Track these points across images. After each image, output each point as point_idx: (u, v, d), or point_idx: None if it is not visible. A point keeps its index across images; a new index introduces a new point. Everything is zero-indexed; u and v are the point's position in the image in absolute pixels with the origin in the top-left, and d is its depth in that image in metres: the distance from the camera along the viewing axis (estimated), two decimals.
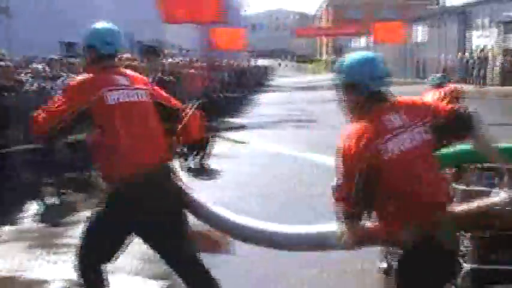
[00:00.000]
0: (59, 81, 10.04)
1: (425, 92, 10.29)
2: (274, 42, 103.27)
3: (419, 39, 44.96)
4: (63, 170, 9.53)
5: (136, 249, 6.38)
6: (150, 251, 6.26)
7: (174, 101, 4.47)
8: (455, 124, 3.33)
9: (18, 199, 8.59)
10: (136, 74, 4.39)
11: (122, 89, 4.02)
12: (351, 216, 3.21)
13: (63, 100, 4.01)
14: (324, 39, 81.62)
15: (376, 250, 5.54)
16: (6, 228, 7.35)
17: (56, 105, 4.01)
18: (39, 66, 9.44)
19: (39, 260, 6.27)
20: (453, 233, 3.28)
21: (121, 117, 3.96)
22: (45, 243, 6.86)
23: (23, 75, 10.05)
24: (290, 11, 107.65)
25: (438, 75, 10.51)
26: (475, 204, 3.34)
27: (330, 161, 10.91)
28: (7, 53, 10.87)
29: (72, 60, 10.97)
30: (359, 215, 3.23)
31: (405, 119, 3.25)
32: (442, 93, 9.71)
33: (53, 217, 7.99)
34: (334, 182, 3.30)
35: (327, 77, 45.47)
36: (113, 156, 3.96)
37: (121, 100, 3.98)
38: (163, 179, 4.11)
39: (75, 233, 7.14)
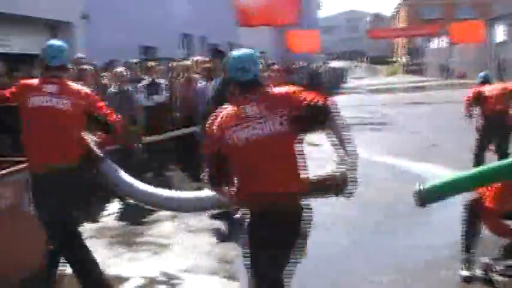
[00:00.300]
0: (140, 85, 10.34)
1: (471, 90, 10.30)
2: (349, 43, 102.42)
3: (499, 39, 43.48)
4: (142, 170, 9.79)
5: (215, 250, 6.55)
6: (229, 252, 6.43)
7: (111, 117, 5.04)
8: (311, 115, 3.63)
9: (99, 198, 8.89)
10: (75, 87, 4.94)
11: (43, 95, 4.66)
12: (215, 185, 3.74)
13: (11, 90, 4.89)
14: (400, 40, 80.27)
15: (459, 259, 5.49)
16: (88, 226, 7.60)
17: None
18: (122, 70, 9.67)
19: (119, 257, 6.48)
20: (293, 207, 3.67)
21: (33, 119, 4.67)
22: (125, 241, 7.09)
23: (105, 78, 10.39)
24: (365, 12, 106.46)
25: (482, 73, 10.46)
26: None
27: (405, 164, 10.87)
28: (88, 58, 11.19)
29: (150, 63, 11.20)
30: (219, 185, 3.72)
31: (262, 110, 3.52)
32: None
33: (133, 216, 8.22)
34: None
35: (402, 79, 44.85)
36: (26, 152, 4.82)
37: (38, 104, 4.65)
38: (60, 176, 4.65)
39: (154, 232, 7.37)
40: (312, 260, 6.30)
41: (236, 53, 3.73)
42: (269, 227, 3.55)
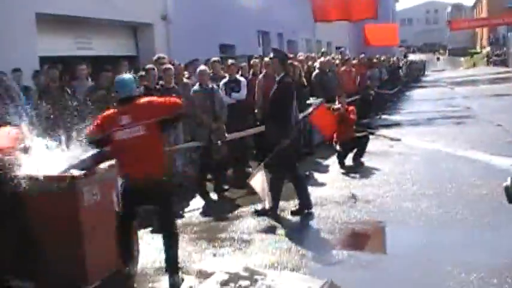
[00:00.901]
0: (221, 83, 10.47)
1: None
2: (429, 35, 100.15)
3: None
4: (223, 166, 9.92)
5: (296, 246, 6.56)
6: (309, 248, 6.44)
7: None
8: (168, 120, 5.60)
9: (183, 194, 9.08)
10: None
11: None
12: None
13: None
14: (482, 31, 77.75)
15: None
16: None
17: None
18: (205, 68, 9.82)
19: (202, 253, 6.60)
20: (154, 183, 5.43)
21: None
22: (208, 236, 7.20)
23: (186, 77, 10.57)
24: (445, 3, 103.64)
25: None
26: None
27: (488, 158, 10.58)
28: (169, 57, 11.42)
29: (230, 61, 11.30)
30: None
31: (130, 118, 5.39)
32: None
33: (215, 212, 8.35)
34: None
35: (483, 71, 43.45)
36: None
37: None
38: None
39: (236, 228, 7.46)
40: (394, 256, 6.27)
41: (118, 77, 5.77)
42: (137, 194, 5.51)
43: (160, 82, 9.36)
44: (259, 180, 7.94)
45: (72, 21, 12.74)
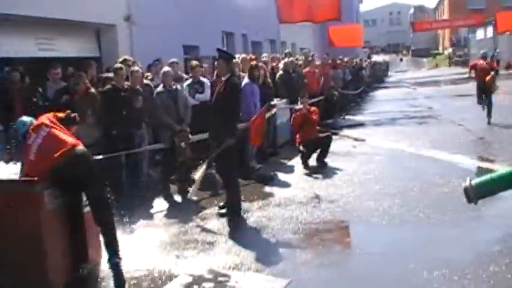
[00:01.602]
0: (184, 84, 10.44)
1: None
2: (392, 37, 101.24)
3: None
4: (187, 168, 9.87)
5: (261, 248, 6.57)
6: (274, 250, 6.46)
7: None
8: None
9: (147, 196, 9.02)
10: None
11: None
12: None
13: None
14: (446, 32, 78.90)
15: (508, 254, 5.40)
16: (136, 223, 7.72)
17: None
18: (169, 69, 9.77)
19: (166, 255, 6.55)
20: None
21: None
22: (172, 238, 7.16)
23: (147, 79, 10.52)
24: (408, 5, 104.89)
25: (482, 51, 17.95)
26: None
27: (451, 157, 10.76)
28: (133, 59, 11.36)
29: (195, 62, 11.25)
30: None
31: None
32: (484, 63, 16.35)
33: (179, 214, 8.31)
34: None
35: (446, 72, 44.13)
36: None
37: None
38: None
39: (200, 229, 7.44)
40: (357, 255, 6.32)
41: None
42: None
43: (127, 83, 9.29)
44: (199, 174, 7.96)
45: (34, 22, 12.54)
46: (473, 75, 16.69)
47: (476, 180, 5.22)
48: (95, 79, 10.14)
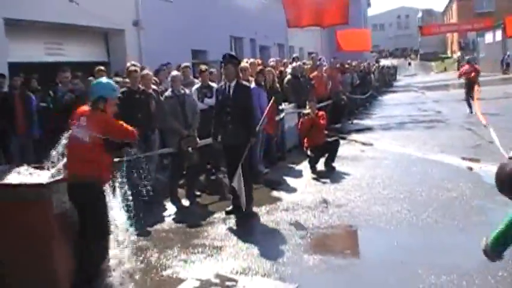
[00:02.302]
0: (193, 88, 10.45)
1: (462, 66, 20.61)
2: (401, 41, 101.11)
3: None
4: (195, 173, 9.88)
5: (268, 252, 6.57)
6: (281, 254, 6.45)
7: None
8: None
9: (155, 200, 9.03)
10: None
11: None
12: None
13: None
14: (453, 36, 78.71)
15: None
16: (144, 227, 7.73)
17: None
18: (178, 74, 9.79)
19: (174, 259, 6.56)
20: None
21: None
22: (179, 243, 7.17)
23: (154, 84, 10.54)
24: (416, 9, 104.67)
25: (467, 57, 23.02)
26: None
27: (459, 162, 10.72)
28: (142, 64, 11.41)
29: (204, 67, 11.25)
30: None
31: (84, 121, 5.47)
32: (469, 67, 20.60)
33: (187, 218, 8.32)
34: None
35: (454, 76, 43.93)
36: None
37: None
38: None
39: (208, 234, 7.44)
40: (365, 260, 6.31)
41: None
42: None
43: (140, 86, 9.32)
44: (237, 180, 7.96)
45: (43, 26, 12.62)
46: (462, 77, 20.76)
47: (490, 238, 5.09)
48: None
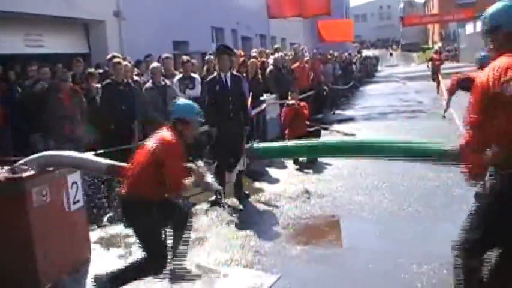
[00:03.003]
0: (175, 79, 10.39)
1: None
2: (382, 31, 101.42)
3: None
4: None
5: (250, 243, 6.57)
6: (263, 245, 6.45)
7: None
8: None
9: None
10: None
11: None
12: None
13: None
14: (435, 27, 79.09)
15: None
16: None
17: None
18: (158, 65, 9.71)
19: None
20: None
21: None
22: None
23: (136, 75, 10.47)
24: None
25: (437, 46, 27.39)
26: None
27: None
28: (123, 55, 11.30)
29: (186, 58, 11.18)
30: None
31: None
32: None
33: None
34: None
35: None
36: None
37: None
38: None
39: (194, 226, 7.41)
40: (347, 250, 6.33)
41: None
42: None
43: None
44: (243, 161, 8.52)
45: (22, 18, 12.47)
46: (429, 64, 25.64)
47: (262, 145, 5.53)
48: (78, 76, 10.10)
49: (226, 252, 6.30)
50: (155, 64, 9.76)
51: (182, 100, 5.55)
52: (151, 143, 5.10)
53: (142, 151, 5.13)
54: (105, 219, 7.78)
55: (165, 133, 5.11)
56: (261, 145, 5.67)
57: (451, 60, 57.10)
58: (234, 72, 8.80)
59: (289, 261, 5.97)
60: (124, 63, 9.84)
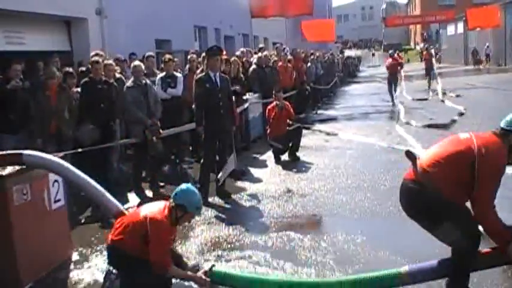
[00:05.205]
0: (157, 78, 10.36)
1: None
2: (365, 32, 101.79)
3: None
4: (159, 163, 9.81)
5: (234, 242, 6.57)
6: (248, 244, 6.45)
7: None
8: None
9: (118, 191, 8.93)
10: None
11: None
12: None
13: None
14: (417, 28, 79.58)
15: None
16: (105, 218, 7.64)
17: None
18: (140, 64, 9.65)
19: None
20: None
21: None
22: None
23: (118, 73, 10.41)
24: (381, 0, 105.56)
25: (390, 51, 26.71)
26: None
27: (421, 151, 10.81)
28: (106, 53, 11.24)
29: (168, 56, 11.12)
30: None
31: None
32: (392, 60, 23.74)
33: None
34: None
35: (417, 67, 44.50)
36: None
37: None
38: None
39: None
40: (328, 248, 6.35)
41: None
42: None
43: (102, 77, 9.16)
44: (234, 159, 8.94)
45: (2, 14, 12.34)
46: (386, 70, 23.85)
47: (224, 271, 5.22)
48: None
49: (208, 252, 6.30)
50: (136, 63, 9.71)
51: (190, 187, 5.22)
52: (145, 211, 5.03)
53: (135, 214, 5.16)
54: (82, 219, 7.78)
55: (161, 212, 5.02)
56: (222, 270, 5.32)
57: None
58: (222, 74, 8.97)
59: (271, 259, 5.97)
60: (109, 61, 9.80)
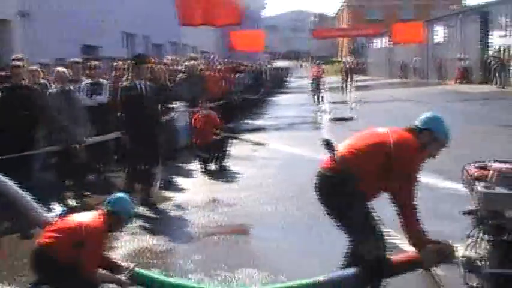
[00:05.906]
0: (82, 85, 10.15)
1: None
2: (294, 43, 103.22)
3: (439, 40, 44.81)
4: (83, 172, 9.60)
5: (159, 252, 6.48)
6: (173, 254, 6.38)
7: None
8: None
9: (40, 201, 8.67)
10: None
11: None
12: None
13: None
14: (344, 41, 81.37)
15: None
16: (29, 229, 7.41)
17: None
18: (64, 69, 9.42)
19: None
20: None
21: None
22: None
23: (43, 78, 10.14)
24: (309, 12, 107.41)
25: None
26: None
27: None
28: (28, 57, 10.90)
29: (94, 63, 10.93)
30: None
31: None
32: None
33: None
34: None
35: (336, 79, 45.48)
36: None
37: None
38: None
39: None
40: (254, 259, 6.35)
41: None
42: None
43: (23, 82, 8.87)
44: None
45: None
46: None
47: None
48: None
49: (133, 261, 6.19)
50: (60, 68, 9.48)
51: (124, 195, 5.25)
52: (80, 219, 4.97)
53: (68, 222, 5.04)
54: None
55: (96, 220, 4.96)
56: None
57: (359, 73, 58.92)
58: (148, 82, 8.84)
59: (197, 269, 5.92)
60: (34, 67, 9.52)
